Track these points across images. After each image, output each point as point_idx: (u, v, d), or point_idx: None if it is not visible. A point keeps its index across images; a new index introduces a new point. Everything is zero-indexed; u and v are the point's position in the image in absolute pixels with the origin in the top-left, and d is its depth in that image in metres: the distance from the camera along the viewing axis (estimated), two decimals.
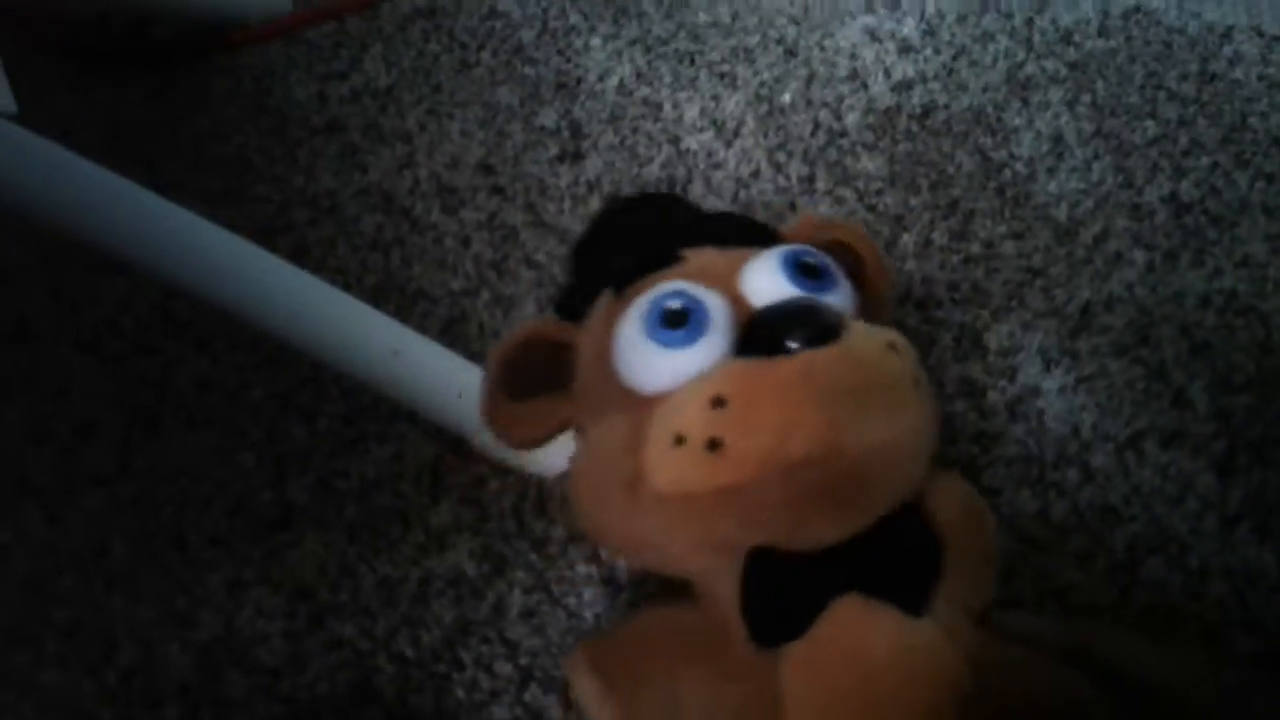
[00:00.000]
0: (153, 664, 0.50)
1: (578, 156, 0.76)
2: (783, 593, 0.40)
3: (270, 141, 0.78)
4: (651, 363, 0.42)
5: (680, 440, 0.39)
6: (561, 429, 0.48)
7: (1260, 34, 0.80)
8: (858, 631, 0.39)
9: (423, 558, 0.54)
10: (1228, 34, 0.80)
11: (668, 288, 0.44)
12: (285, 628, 0.51)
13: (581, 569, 0.52)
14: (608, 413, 0.44)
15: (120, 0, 0.82)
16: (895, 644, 0.39)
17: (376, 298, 0.66)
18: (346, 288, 0.60)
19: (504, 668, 0.50)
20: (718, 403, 0.39)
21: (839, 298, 0.44)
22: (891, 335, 0.43)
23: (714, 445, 0.39)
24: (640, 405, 0.42)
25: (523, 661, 0.50)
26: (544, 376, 0.47)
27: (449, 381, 0.57)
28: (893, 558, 0.41)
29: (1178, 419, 0.57)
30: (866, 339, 0.42)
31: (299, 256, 0.68)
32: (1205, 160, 0.71)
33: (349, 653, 0.50)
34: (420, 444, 0.58)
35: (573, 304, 0.49)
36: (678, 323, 0.42)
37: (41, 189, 0.51)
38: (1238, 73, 0.77)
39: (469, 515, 0.55)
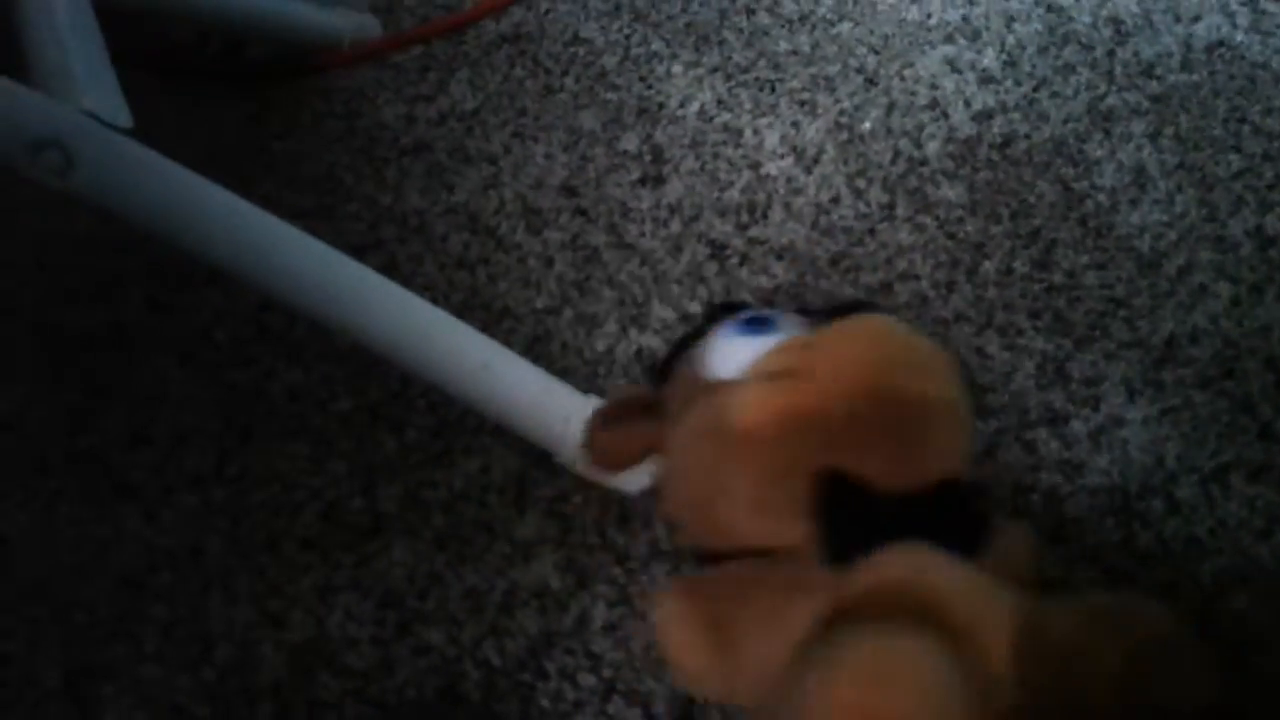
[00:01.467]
0: (247, 663, 0.52)
1: (659, 180, 0.77)
2: (851, 509, 0.44)
3: (360, 161, 0.80)
4: (737, 351, 0.49)
5: (766, 375, 0.47)
6: (649, 452, 0.52)
7: None
8: (922, 558, 0.43)
9: (508, 568, 0.55)
10: None
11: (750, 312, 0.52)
12: (374, 633, 0.53)
13: (664, 583, 0.53)
14: (692, 406, 0.48)
15: (218, 22, 0.85)
16: (955, 572, 0.42)
17: (462, 314, 0.67)
18: (434, 304, 0.62)
19: (587, 679, 0.50)
20: (798, 347, 0.47)
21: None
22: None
23: (795, 373, 0.46)
24: (723, 385, 0.48)
25: (606, 673, 0.51)
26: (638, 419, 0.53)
27: (537, 397, 0.58)
28: (944, 522, 0.45)
29: (1264, 451, 0.56)
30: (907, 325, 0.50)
31: (388, 273, 0.69)
32: None
33: (436, 659, 0.52)
34: (506, 458, 0.60)
35: (665, 370, 0.55)
36: (759, 325, 0.50)
37: (155, 201, 0.54)
38: None
39: (553, 528, 0.57)
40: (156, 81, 0.86)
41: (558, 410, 0.57)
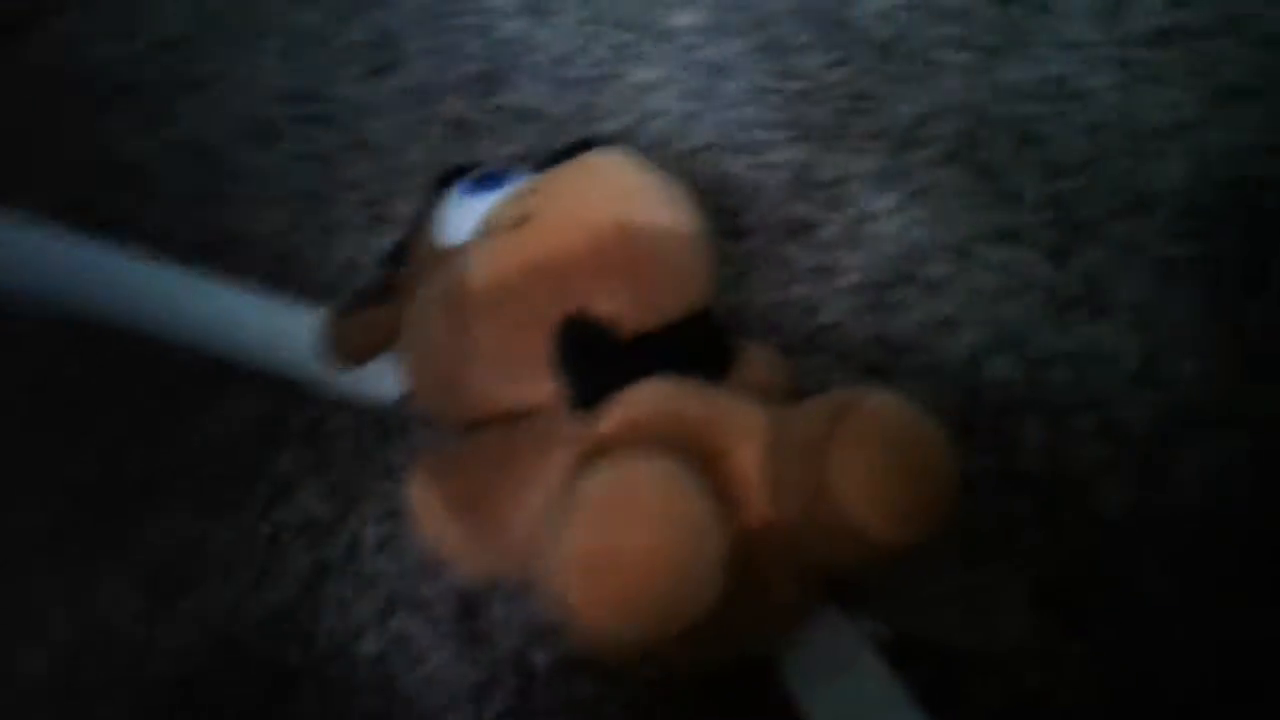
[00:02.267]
0: (11, 669, 0.49)
1: (392, 67, 0.72)
2: (596, 352, 0.43)
3: (68, 109, 0.74)
4: (468, 212, 0.46)
5: (494, 229, 0.44)
6: (388, 338, 0.49)
7: None
8: (666, 389, 0.41)
9: (270, 510, 0.52)
10: None
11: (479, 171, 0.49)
12: (138, 609, 0.50)
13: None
14: (428, 278, 0.46)
15: None
16: (702, 397, 0.41)
17: (198, 250, 0.63)
18: (167, 246, 0.58)
19: (366, 604, 0.49)
20: (524, 195, 0.45)
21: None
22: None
23: (522, 221, 0.44)
24: (456, 250, 0.46)
25: (382, 591, 0.49)
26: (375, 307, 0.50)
27: (279, 325, 0.55)
28: (691, 353, 0.44)
29: (1009, 214, 0.55)
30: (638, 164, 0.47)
31: (114, 224, 0.65)
32: None
33: (208, 621, 0.49)
34: (255, 395, 0.56)
35: (400, 254, 0.52)
36: (488, 181, 0.47)
37: None
38: None
39: (311, 457, 0.54)
40: None
41: (300, 333, 0.54)
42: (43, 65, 0.78)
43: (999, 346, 0.51)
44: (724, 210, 0.59)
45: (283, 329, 0.56)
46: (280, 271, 0.62)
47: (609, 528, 0.35)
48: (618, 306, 0.43)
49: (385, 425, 0.54)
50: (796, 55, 0.66)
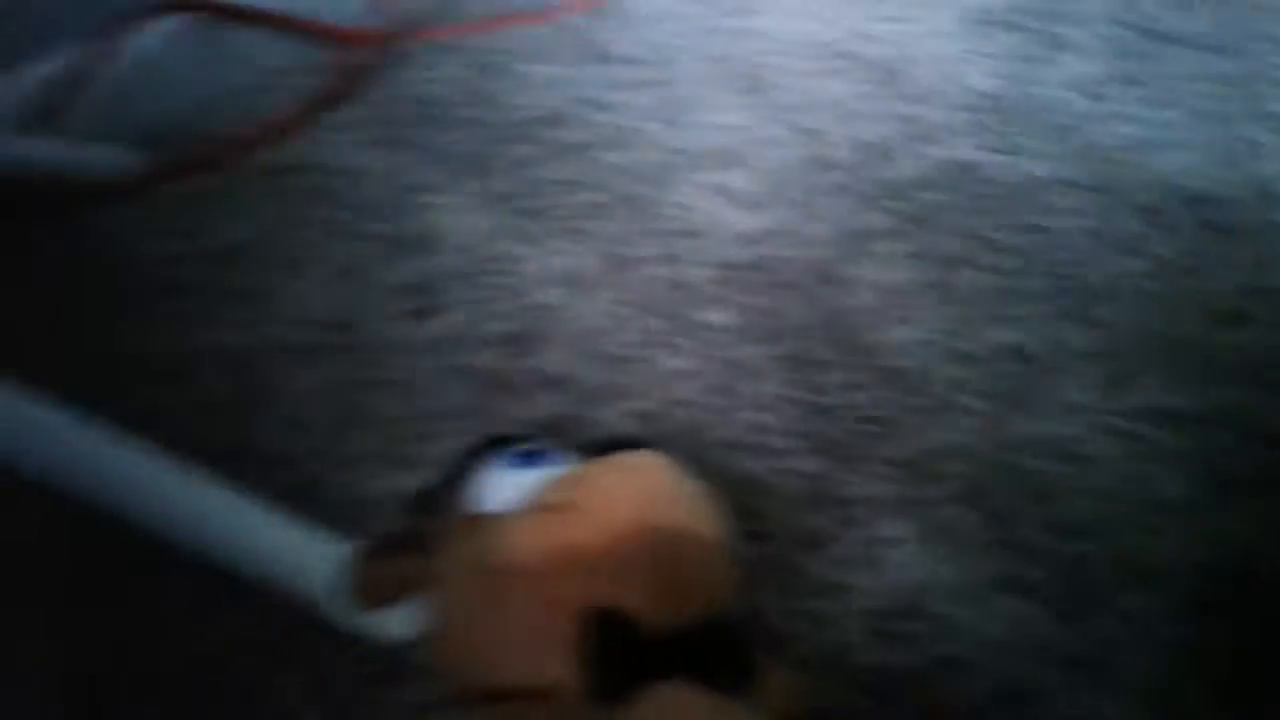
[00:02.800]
0: None
1: (430, 313, 0.76)
2: (618, 646, 0.43)
3: (111, 304, 0.76)
4: (507, 484, 0.48)
5: (533, 511, 0.46)
6: (414, 588, 0.50)
7: (1077, 185, 0.86)
8: (684, 697, 0.42)
9: None
10: (1048, 185, 0.85)
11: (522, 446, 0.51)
12: None
13: None
14: (461, 541, 0.47)
15: None
16: (719, 711, 0.42)
17: (220, 461, 0.63)
18: (190, 451, 0.59)
19: None
20: (565, 483, 0.47)
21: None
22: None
23: (561, 510, 0.46)
24: (493, 521, 0.47)
25: None
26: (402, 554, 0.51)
27: (297, 550, 0.55)
28: (711, 660, 0.44)
29: (1019, 566, 0.58)
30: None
31: (141, 421, 0.66)
32: (1034, 308, 0.75)
33: None
34: (265, 614, 0.56)
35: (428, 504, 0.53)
36: (530, 458, 0.50)
37: None
38: (1059, 223, 0.82)
39: (314, 688, 0.53)
40: None
41: (317, 562, 0.55)
42: (95, 251, 0.81)
43: (1003, 699, 0.52)
44: (743, 511, 0.61)
45: (300, 553, 0.56)
46: (299, 494, 0.62)
47: None
48: (642, 606, 0.44)
49: (390, 666, 0.54)
50: (817, 371, 0.71)
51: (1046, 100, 0.96)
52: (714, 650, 0.45)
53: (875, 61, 1.01)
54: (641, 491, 0.47)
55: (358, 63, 0.98)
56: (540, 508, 0.47)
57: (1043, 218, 0.83)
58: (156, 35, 0.92)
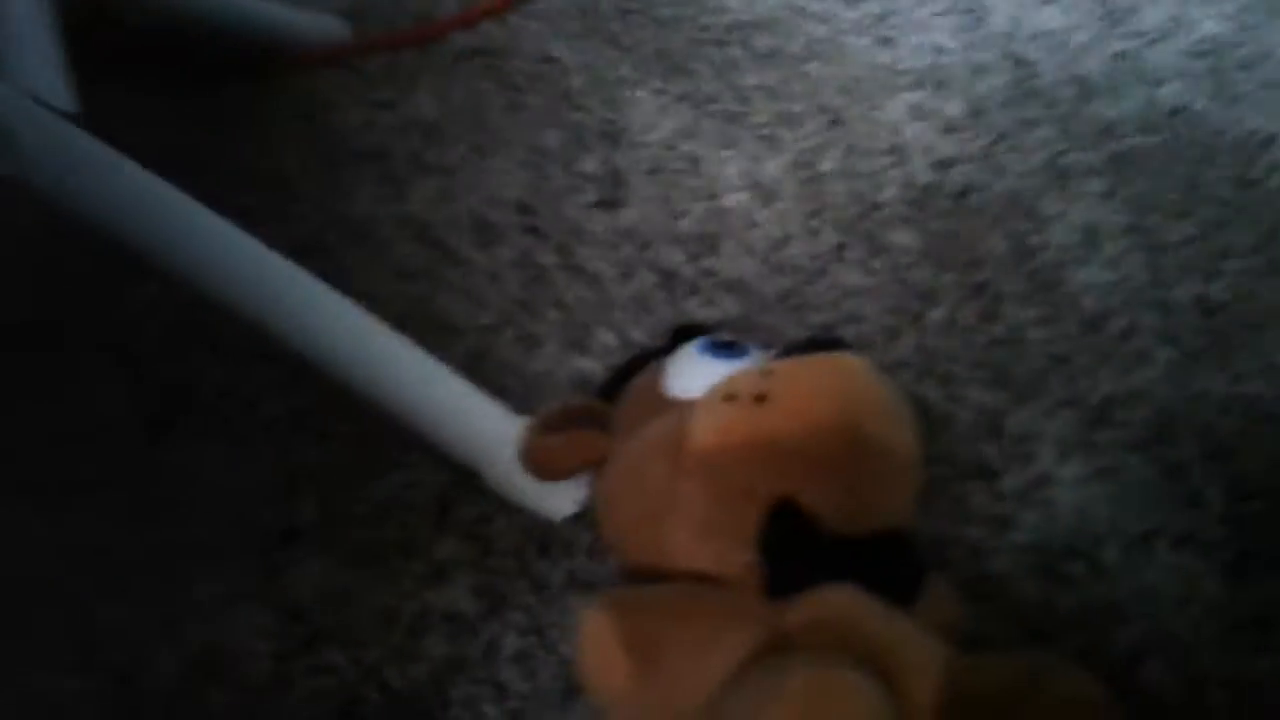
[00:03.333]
0: (138, 670, 0.50)
1: (615, 204, 0.76)
2: (798, 544, 0.44)
3: (313, 164, 0.79)
4: (703, 371, 0.49)
5: (730, 397, 0.46)
6: (589, 463, 0.52)
7: None
8: (860, 600, 0.42)
9: (421, 589, 0.54)
10: (1269, 141, 0.80)
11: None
12: (274, 648, 0.51)
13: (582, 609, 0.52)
14: (648, 421, 0.48)
15: (181, 15, 0.84)
16: (889, 618, 0.42)
17: (403, 326, 0.66)
18: (374, 313, 0.61)
19: (491, 709, 0.49)
20: (764, 374, 0.47)
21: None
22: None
23: (760, 399, 0.46)
24: (685, 404, 0.48)
25: (511, 704, 0.49)
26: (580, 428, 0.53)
27: (469, 413, 0.57)
28: (883, 570, 0.44)
29: (1190, 520, 0.56)
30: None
31: (331, 279, 0.68)
32: (1238, 263, 0.71)
33: (336, 679, 0.50)
34: (431, 474, 0.59)
35: (613, 386, 0.55)
36: (730, 349, 0.50)
37: (95, 188, 0.53)
38: (1274, 181, 0.77)
39: (471, 550, 0.55)
40: (114, 70, 0.85)
41: (490, 428, 0.57)
42: (298, 110, 0.84)
43: (1159, 652, 0.51)
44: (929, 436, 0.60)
45: (472, 417, 0.58)
46: (476, 368, 0.64)
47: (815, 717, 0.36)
48: (827, 505, 0.44)
49: (547, 541, 0.56)
50: (1002, 302, 0.69)
51: (1276, 53, 0.90)
52: (888, 560, 0.45)
53: None
54: (841, 391, 0.47)
55: None
56: (738, 395, 0.47)
57: (1257, 172, 0.78)
58: None
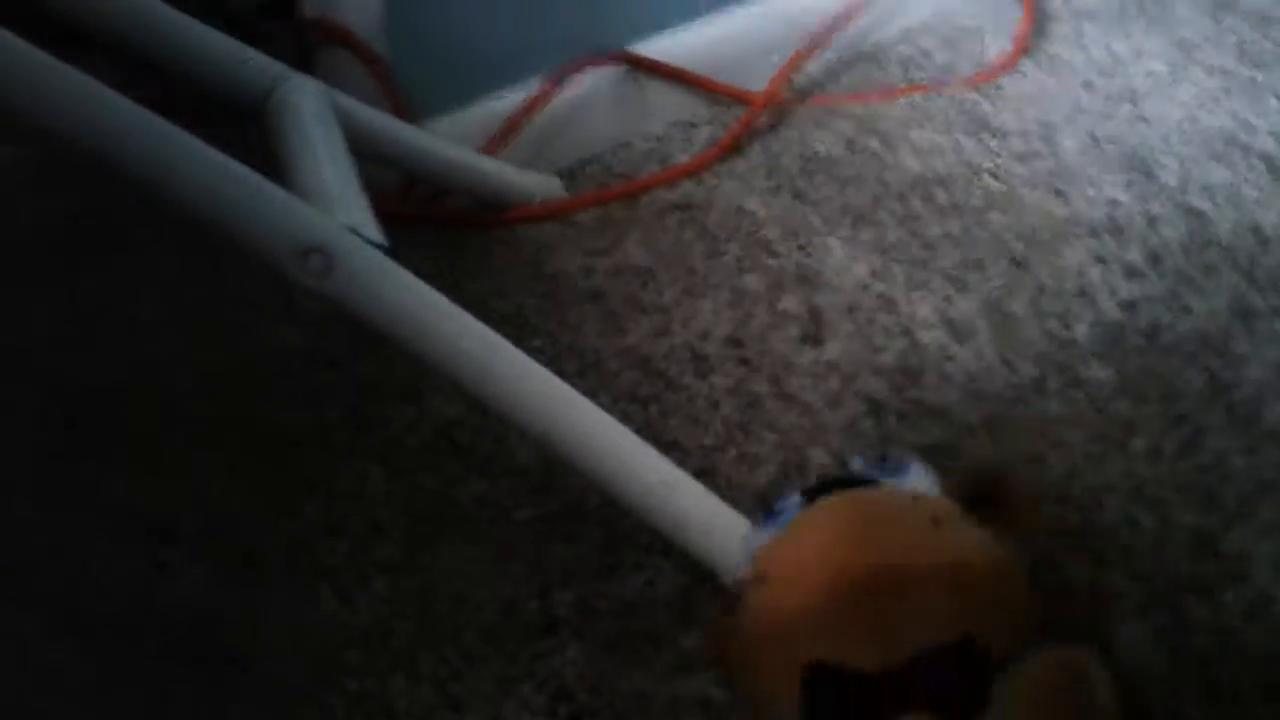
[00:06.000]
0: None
1: (818, 340, 0.82)
2: (841, 701, 0.45)
3: (543, 303, 0.88)
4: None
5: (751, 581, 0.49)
6: None
7: None
8: None
9: (673, 677, 0.58)
10: None
11: None
12: None
13: None
14: None
15: (424, 171, 0.95)
16: None
17: None
18: None
19: None
20: (765, 551, 0.50)
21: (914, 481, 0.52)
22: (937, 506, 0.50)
23: (760, 580, 0.48)
24: None
25: None
26: None
27: (709, 517, 0.63)
28: (940, 688, 0.44)
29: None
30: (900, 494, 0.50)
31: None
32: None
33: None
34: (673, 574, 0.64)
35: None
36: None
37: (399, 310, 0.61)
38: None
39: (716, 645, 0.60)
40: None
41: (727, 532, 0.62)
42: (521, 261, 0.93)
43: None
44: (1125, 551, 0.63)
45: (713, 520, 0.63)
46: (703, 483, 0.70)
47: None
48: (858, 650, 0.45)
49: None
50: (1202, 433, 0.72)
51: None
52: (947, 675, 0.45)
53: (1262, 152, 1.01)
54: (841, 535, 0.48)
55: (755, 120, 1.08)
56: (744, 580, 0.50)
57: None
58: (585, 82, 1.05)
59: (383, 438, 0.75)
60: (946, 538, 0.47)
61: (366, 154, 0.86)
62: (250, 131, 0.75)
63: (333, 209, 0.63)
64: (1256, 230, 0.91)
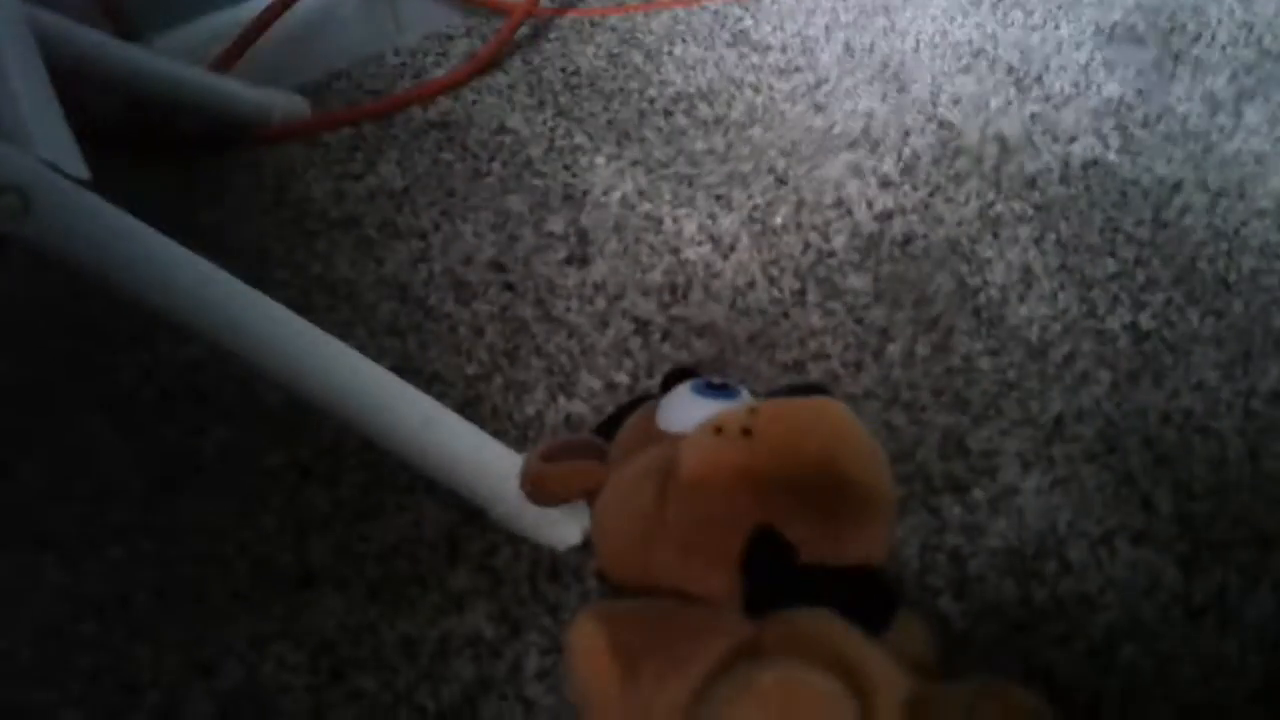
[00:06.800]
0: (176, 710, 0.52)
1: (584, 261, 0.80)
2: (775, 568, 0.47)
3: (289, 232, 0.82)
4: (695, 409, 0.51)
5: (718, 430, 0.49)
6: (587, 490, 0.54)
7: (1206, 188, 0.88)
8: (830, 621, 0.45)
9: (441, 619, 0.56)
10: (1177, 187, 0.88)
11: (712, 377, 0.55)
12: (307, 681, 0.53)
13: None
14: (642, 452, 0.50)
15: (151, 93, 0.87)
16: (857, 640, 0.44)
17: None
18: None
19: None
20: (751, 411, 0.49)
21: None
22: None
23: (746, 433, 0.48)
24: (677, 438, 0.50)
25: (539, 718, 0.52)
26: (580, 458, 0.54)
27: (475, 453, 0.60)
28: (854, 600, 0.47)
29: (1145, 520, 0.62)
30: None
31: None
32: (1160, 295, 0.78)
33: (370, 704, 0.52)
34: (437, 513, 0.61)
35: (611, 424, 0.57)
36: (721, 389, 0.52)
37: (106, 247, 0.55)
38: (1187, 220, 0.85)
39: (484, 581, 0.58)
40: (88, 147, 0.87)
41: (494, 466, 0.60)
42: (273, 183, 0.87)
43: (1132, 636, 0.56)
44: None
45: (474, 455, 0.61)
46: (468, 415, 0.67)
47: (778, 716, 0.39)
48: (806, 535, 0.47)
49: (557, 568, 0.58)
50: (951, 335, 0.74)
51: (1173, 109, 0.99)
52: (861, 590, 0.47)
53: (1007, 63, 1.05)
54: (821, 431, 0.49)
55: (514, 32, 1.04)
56: (726, 429, 0.51)
57: (1170, 214, 0.86)
58: None
59: (111, 388, 0.68)
60: (887, 469, 0.51)
61: (78, 77, 0.78)
62: None
63: (28, 142, 0.56)
64: (1000, 139, 0.94)
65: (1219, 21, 1.11)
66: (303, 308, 0.74)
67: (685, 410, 0.53)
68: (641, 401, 0.60)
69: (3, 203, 0.53)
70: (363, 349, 0.69)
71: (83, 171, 0.57)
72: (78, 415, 0.67)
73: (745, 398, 0.54)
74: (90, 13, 0.85)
